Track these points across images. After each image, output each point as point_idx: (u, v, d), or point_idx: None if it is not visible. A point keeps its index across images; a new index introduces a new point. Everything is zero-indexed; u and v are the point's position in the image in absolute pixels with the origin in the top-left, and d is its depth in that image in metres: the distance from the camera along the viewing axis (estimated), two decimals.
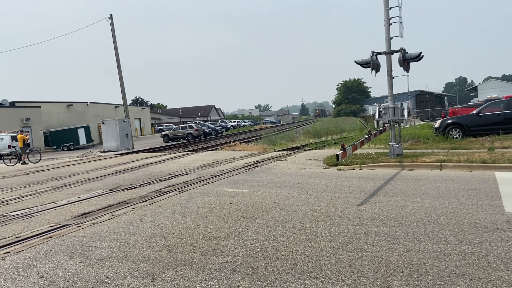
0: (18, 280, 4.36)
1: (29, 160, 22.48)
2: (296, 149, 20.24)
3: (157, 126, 74.88)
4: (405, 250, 4.57)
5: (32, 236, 6.08)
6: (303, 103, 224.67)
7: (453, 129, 16.63)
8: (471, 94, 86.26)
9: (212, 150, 23.73)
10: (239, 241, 5.22)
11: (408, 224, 5.55)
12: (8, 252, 5.36)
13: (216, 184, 9.98)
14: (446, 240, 4.84)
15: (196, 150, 24.09)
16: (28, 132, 34.26)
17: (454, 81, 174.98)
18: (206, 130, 45.59)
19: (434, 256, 4.36)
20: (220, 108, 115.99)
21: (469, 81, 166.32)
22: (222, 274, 4.19)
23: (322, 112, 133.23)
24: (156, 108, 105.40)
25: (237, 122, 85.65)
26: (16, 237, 6.07)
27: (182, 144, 34.57)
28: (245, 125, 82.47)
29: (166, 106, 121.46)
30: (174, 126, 50.43)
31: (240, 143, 27.37)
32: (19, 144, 22.72)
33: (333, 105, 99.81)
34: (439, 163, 10.46)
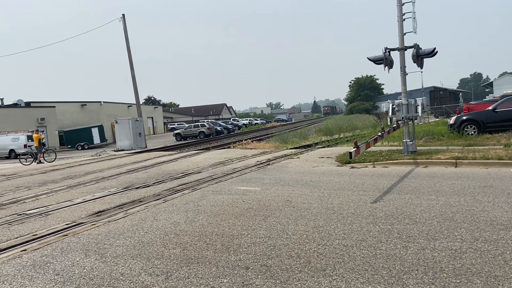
0: (35, 277, 4.44)
1: (44, 159, 22.85)
2: (308, 147, 20.19)
3: (170, 125, 75.39)
4: (420, 248, 4.52)
5: (48, 234, 6.18)
6: (315, 101, 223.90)
7: (468, 126, 16.37)
8: (487, 90, 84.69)
9: (224, 148, 23.79)
10: (252, 239, 5.23)
11: (422, 222, 5.49)
12: (25, 250, 5.45)
13: (228, 182, 10.00)
14: (462, 238, 4.78)
15: (208, 149, 24.17)
16: (43, 131, 34.82)
17: (469, 77, 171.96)
18: (218, 128, 45.74)
19: (449, 254, 4.31)
20: (231, 107, 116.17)
21: (484, 76, 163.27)
22: (235, 272, 4.20)
23: (332, 110, 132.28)
24: (168, 107, 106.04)
25: (249, 120, 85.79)
26: (33, 235, 6.18)
27: (194, 142, 34.76)
28: (257, 123, 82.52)
29: (178, 105, 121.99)
30: (186, 125, 50.69)
31: (252, 141, 27.38)
32: (35, 144, 23.09)
33: (346, 102, 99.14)
34: (454, 160, 10.32)
